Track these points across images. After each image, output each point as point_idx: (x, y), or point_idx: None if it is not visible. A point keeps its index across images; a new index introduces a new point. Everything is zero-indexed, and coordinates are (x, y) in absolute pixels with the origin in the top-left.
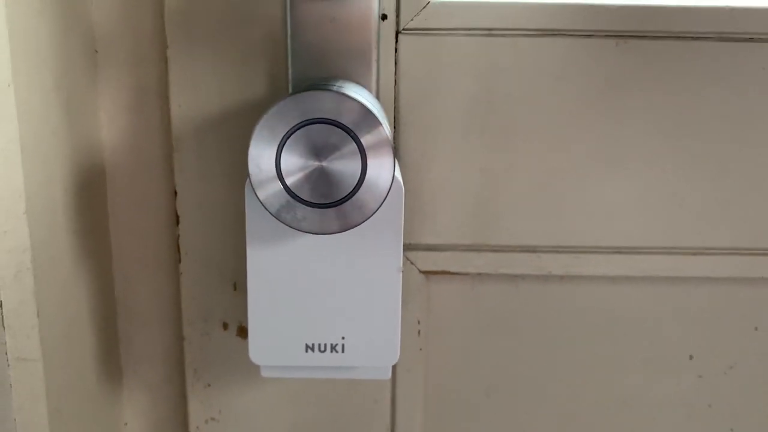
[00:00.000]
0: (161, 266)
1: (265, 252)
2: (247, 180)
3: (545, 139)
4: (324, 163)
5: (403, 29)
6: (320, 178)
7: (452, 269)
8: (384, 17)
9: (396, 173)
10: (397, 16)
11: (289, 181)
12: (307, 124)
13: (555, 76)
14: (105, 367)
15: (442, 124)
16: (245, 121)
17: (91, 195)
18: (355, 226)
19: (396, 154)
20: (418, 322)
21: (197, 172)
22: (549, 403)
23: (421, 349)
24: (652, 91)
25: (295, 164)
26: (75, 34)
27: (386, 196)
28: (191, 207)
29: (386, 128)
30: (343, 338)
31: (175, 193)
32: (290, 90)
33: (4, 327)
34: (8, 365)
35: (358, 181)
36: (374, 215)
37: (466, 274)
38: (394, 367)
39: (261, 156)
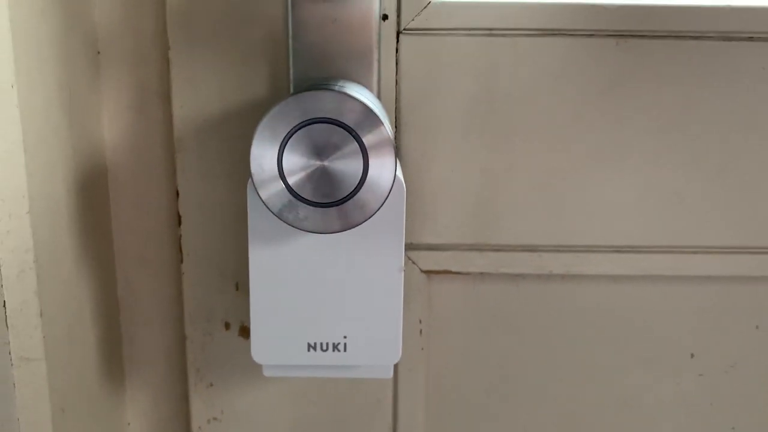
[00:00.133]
0: (163, 266)
1: (267, 251)
2: (249, 180)
3: (546, 139)
4: (326, 163)
5: (404, 29)
6: (322, 178)
7: (454, 269)
8: (385, 17)
9: (397, 173)
10: (398, 16)
11: (291, 181)
12: (309, 124)
13: (555, 76)
14: (107, 366)
15: (443, 123)
16: (247, 121)
17: (93, 195)
18: (357, 225)
19: (397, 153)
20: (420, 322)
21: (199, 173)
22: (550, 402)
23: (422, 349)
24: (652, 91)
25: (297, 164)
26: (77, 35)
27: (388, 196)
28: (193, 207)
29: (388, 128)
30: (345, 337)
31: (177, 193)
32: (292, 90)
33: (7, 326)
34: (11, 364)
35: (360, 180)
36: (376, 215)
37: (468, 273)
38: (396, 367)
39: (263, 156)
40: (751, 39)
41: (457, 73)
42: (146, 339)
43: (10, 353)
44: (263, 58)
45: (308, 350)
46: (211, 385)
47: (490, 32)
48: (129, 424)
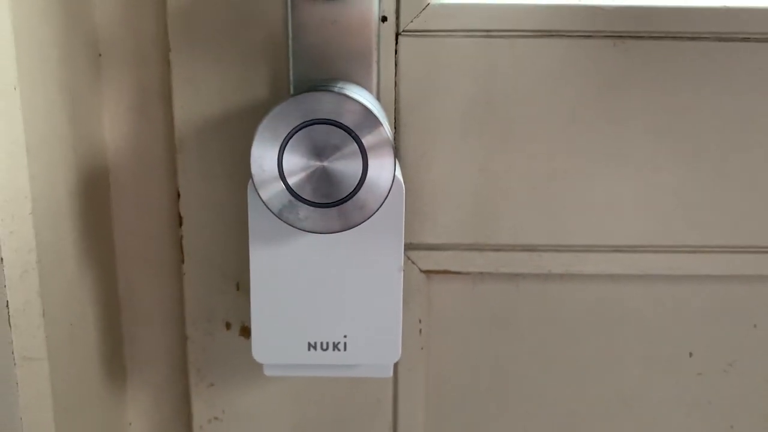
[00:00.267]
0: (164, 267)
1: (267, 251)
2: (250, 180)
3: (544, 139)
4: (325, 164)
5: (403, 31)
6: (322, 178)
7: (453, 268)
8: (384, 19)
9: (397, 173)
10: (397, 18)
11: (291, 181)
12: (309, 125)
13: (553, 77)
14: (109, 367)
15: (442, 124)
16: (247, 123)
17: (94, 196)
18: (357, 225)
19: (396, 154)
20: (420, 321)
21: (200, 174)
22: (550, 401)
23: (422, 348)
24: (650, 91)
25: (297, 164)
26: (78, 37)
27: (387, 196)
28: (194, 208)
29: (387, 129)
30: (345, 336)
31: (178, 193)
32: (291, 91)
33: (10, 326)
34: (14, 364)
35: (359, 181)
36: (375, 215)
37: (467, 273)
38: (395, 366)
39: (263, 156)
40: (747, 40)
41: (456, 74)
42: (147, 339)
43: (13, 353)
44: (263, 59)
45: (308, 349)
46: (212, 384)
47: (489, 33)
48: (130, 423)
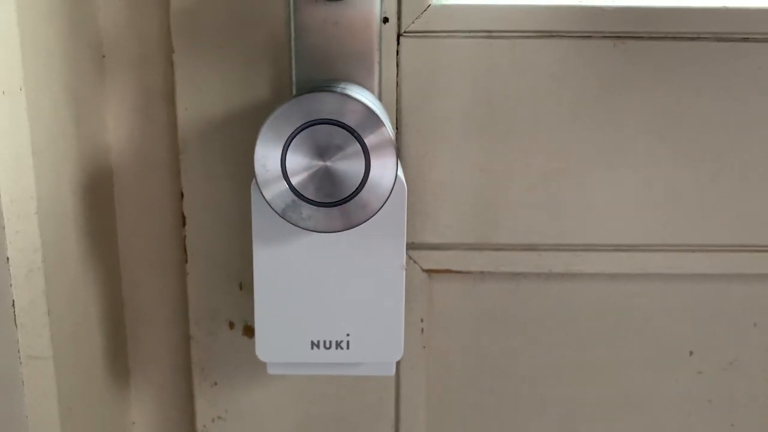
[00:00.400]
0: (168, 267)
1: (270, 250)
2: (253, 180)
3: (545, 139)
4: (328, 163)
5: (405, 32)
6: (325, 178)
7: (454, 268)
8: (386, 20)
9: (399, 173)
10: (399, 19)
11: (294, 181)
12: (312, 125)
13: (554, 77)
14: (113, 366)
15: (443, 124)
16: (250, 123)
17: (98, 196)
18: (359, 224)
19: (398, 154)
20: (421, 320)
21: (203, 174)
22: (550, 399)
23: (424, 347)
24: (650, 91)
25: (300, 164)
26: (83, 39)
27: (389, 196)
28: (197, 208)
29: (389, 129)
30: (347, 335)
31: (182, 194)
32: (294, 92)
33: (16, 325)
34: (20, 363)
35: (362, 180)
36: (377, 214)
37: (468, 272)
38: (397, 365)
39: (267, 156)
40: (746, 39)
41: (457, 74)
42: (151, 338)
43: (18, 351)
44: (266, 60)
45: (312, 348)
46: (216, 384)
47: (490, 34)
48: (134, 423)
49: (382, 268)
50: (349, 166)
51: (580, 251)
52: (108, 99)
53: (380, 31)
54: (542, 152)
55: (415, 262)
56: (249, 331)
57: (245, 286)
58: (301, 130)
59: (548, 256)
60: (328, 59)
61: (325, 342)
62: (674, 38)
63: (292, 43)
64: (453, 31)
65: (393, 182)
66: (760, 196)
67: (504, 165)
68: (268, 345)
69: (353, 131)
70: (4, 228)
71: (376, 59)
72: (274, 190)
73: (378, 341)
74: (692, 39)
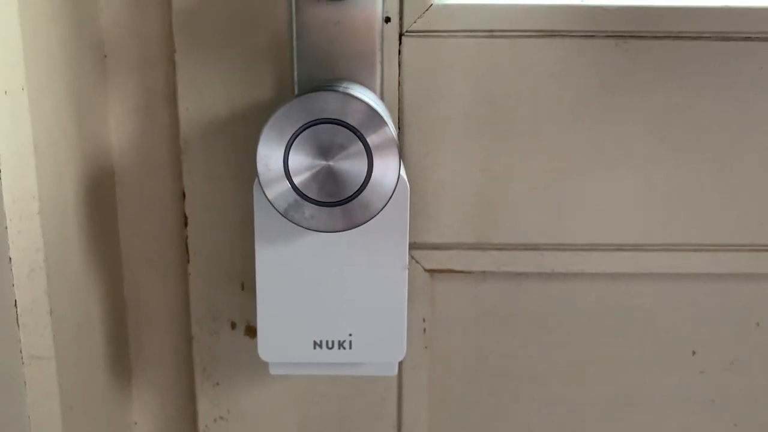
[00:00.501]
0: (170, 267)
1: (273, 250)
2: (256, 180)
3: (546, 139)
4: (331, 163)
5: (407, 31)
6: (327, 178)
7: (456, 267)
8: (387, 20)
9: (401, 173)
10: (401, 18)
11: (296, 181)
12: (314, 125)
13: (555, 77)
14: (115, 366)
15: (445, 124)
16: (252, 123)
17: (100, 196)
18: (361, 224)
19: (401, 154)
20: (424, 320)
21: (205, 174)
22: (552, 399)
23: (426, 347)
24: (652, 91)
25: (303, 164)
26: (85, 39)
27: (392, 195)
28: (199, 208)
29: (392, 128)
30: (350, 335)
31: (183, 194)
32: (296, 92)
33: (18, 325)
34: (22, 363)
35: (364, 180)
36: (380, 214)
37: (470, 272)
38: (400, 365)
39: (269, 156)
40: (748, 39)
41: (459, 74)
42: (153, 338)
43: (21, 351)
44: (268, 60)
45: (314, 348)
46: (218, 384)
47: (491, 34)
48: (136, 423)
49: (385, 267)
50: (352, 165)
51: (582, 251)
52: (110, 99)
53: (382, 31)
54: (544, 152)
55: (417, 261)
56: (251, 331)
57: (247, 286)
58: (304, 130)
59: (550, 255)
60: (330, 59)
61: (327, 342)
62: (676, 38)
63: (294, 42)
64: (455, 30)
65: (396, 182)
66: (762, 196)
67: (506, 164)
68: (270, 345)
69: (356, 131)
70: (6, 228)
71: (378, 59)
72: (277, 189)
73: (380, 341)
74: (694, 38)
